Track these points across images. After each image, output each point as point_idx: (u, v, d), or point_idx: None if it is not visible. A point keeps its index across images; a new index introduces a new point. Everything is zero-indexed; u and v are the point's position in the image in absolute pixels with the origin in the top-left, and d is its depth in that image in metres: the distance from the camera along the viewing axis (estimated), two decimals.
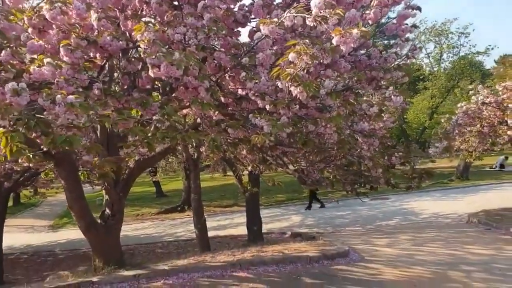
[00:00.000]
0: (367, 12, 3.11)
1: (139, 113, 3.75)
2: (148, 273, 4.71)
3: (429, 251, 6.05)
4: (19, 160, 4.30)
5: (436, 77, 23.45)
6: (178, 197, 16.44)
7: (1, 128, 2.40)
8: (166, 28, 3.14)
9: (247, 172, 8.15)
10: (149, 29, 2.82)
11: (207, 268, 4.94)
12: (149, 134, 3.15)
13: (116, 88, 3.79)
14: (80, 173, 4.95)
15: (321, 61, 2.82)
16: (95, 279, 4.49)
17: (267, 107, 3.23)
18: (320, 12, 2.72)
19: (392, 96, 3.33)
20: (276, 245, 6.41)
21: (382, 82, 3.54)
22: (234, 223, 11.72)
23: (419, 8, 3.37)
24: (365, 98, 4.50)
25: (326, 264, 5.23)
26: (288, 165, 5.64)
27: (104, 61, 3.47)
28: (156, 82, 3.94)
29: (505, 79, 8.06)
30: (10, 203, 15.01)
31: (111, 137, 4.59)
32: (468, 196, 12.92)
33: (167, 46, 3.07)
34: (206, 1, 3.26)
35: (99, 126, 4.56)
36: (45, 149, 2.86)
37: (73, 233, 11.66)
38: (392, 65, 3.44)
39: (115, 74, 4.00)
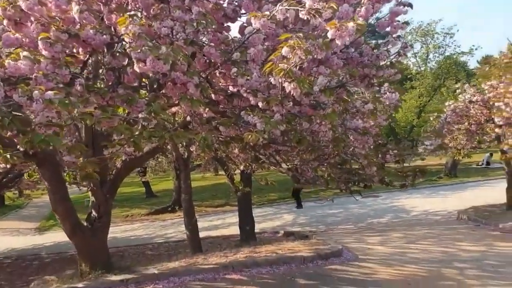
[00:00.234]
0: (358, 9, 3.04)
1: (126, 111, 3.59)
2: (137, 277, 4.54)
3: (422, 249, 6.05)
4: None
5: (423, 76, 23.77)
6: (168, 198, 16.18)
7: None
8: (152, 22, 2.99)
9: (239, 171, 8.04)
10: (134, 22, 2.67)
11: (199, 271, 4.80)
12: (136, 133, 3.01)
13: (101, 85, 3.61)
14: (65, 174, 4.75)
15: (314, 56, 2.73)
16: (80, 285, 4.31)
17: (260, 104, 3.12)
18: (314, 5, 2.64)
19: (388, 93, 3.26)
20: (269, 245, 6.31)
21: (374, 80, 3.48)
22: (226, 223, 11.58)
23: (410, 5, 3.31)
24: (356, 96, 4.44)
25: (320, 264, 5.16)
26: (281, 163, 5.54)
27: (87, 56, 3.30)
28: (143, 80, 3.78)
29: (489, 79, 8.12)
30: None
31: (96, 136, 4.41)
32: (457, 193, 13.10)
33: (153, 41, 2.93)
34: None
35: (83, 125, 4.37)
36: (21, 149, 2.68)
37: (60, 236, 11.29)
38: (384, 62, 3.38)
39: (100, 71, 3.82)
